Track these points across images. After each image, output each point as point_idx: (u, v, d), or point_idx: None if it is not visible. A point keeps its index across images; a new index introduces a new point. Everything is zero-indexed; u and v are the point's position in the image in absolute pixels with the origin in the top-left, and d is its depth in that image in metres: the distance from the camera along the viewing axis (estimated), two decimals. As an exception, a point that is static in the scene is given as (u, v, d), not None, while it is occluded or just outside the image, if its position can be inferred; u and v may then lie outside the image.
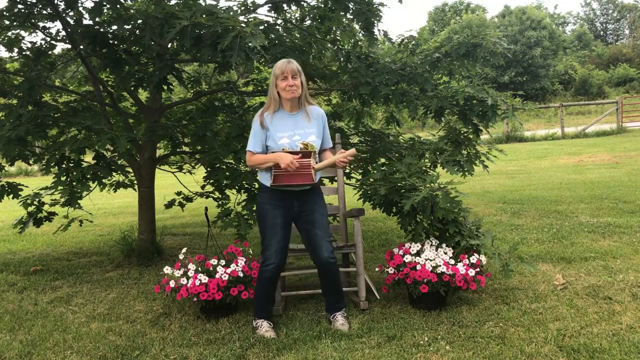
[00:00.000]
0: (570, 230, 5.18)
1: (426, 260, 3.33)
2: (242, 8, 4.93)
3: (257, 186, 4.50)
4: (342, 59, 5.05)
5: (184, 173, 5.93)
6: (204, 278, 3.33)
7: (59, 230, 5.38)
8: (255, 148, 3.12)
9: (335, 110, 5.49)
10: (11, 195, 4.53)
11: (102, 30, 4.28)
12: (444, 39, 4.89)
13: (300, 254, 3.73)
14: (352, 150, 3.07)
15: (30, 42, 4.76)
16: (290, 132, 3.10)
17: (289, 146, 3.07)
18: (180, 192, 5.78)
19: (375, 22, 4.59)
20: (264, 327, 3.13)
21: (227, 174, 4.40)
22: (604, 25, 51.23)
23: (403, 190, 3.63)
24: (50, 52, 4.89)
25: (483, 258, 3.42)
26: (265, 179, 3.15)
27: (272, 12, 5.15)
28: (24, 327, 3.45)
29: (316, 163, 3.10)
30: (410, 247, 3.46)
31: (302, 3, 5.02)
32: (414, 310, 3.35)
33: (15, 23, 4.44)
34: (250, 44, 3.34)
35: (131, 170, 5.02)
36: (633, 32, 45.90)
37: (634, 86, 33.11)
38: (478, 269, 3.35)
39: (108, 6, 4.19)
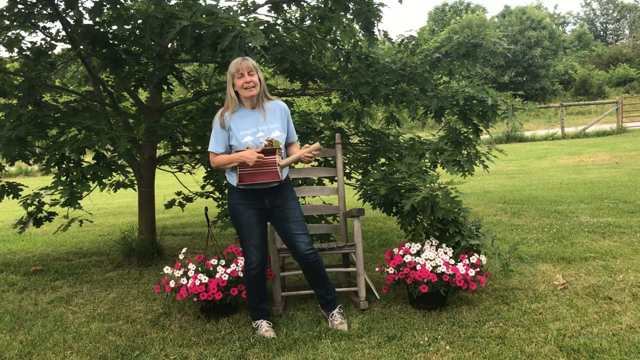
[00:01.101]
0: (570, 230, 5.18)
1: (426, 260, 3.33)
2: (242, 8, 4.93)
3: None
4: (342, 59, 5.05)
5: (184, 173, 5.94)
6: (204, 278, 3.33)
7: (59, 230, 5.38)
8: (218, 149, 3.11)
9: (335, 110, 5.49)
10: (11, 195, 4.53)
11: (102, 30, 4.28)
12: (444, 39, 4.89)
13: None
14: (316, 145, 3.04)
15: (30, 42, 4.76)
16: (253, 129, 3.06)
17: (252, 144, 3.04)
18: (180, 192, 5.79)
19: (375, 22, 4.59)
20: (264, 327, 3.12)
21: (227, 174, 4.40)
22: (604, 25, 51.24)
23: (403, 190, 3.63)
24: (50, 52, 4.89)
25: (483, 258, 3.42)
26: (233, 179, 3.13)
27: (272, 12, 5.16)
28: (24, 327, 3.45)
29: (282, 159, 3.08)
30: (410, 247, 3.46)
31: (302, 3, 5.02)
32: (414, 310, 3.35)
33: (15, 23, 4.44)
34: (250, 44, 3.34)
35: (131, 170, 5.01)
36: (633, 32, 45.91)
37: (634, 86, 33.12)
38: (478, 269, 3.35)
39: (108, 6, 4.19)
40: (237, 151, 3.05)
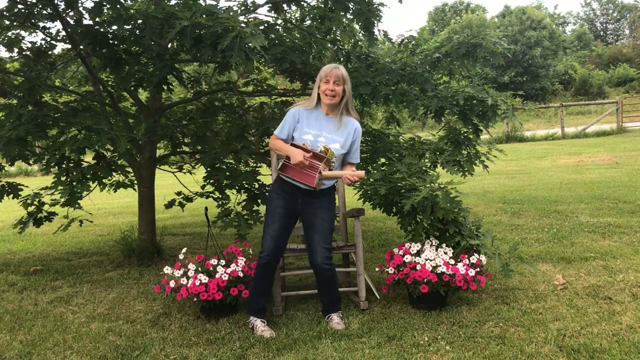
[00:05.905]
0: (570, 230, 5.18)
1: (426, 260, 3.33)
2: (242, 8, 4.93)
3: (257, 186, 4.50)
4: (342, 59, 5.05)
5: (184, 173, 5.93)
6: (204, 278, 3.33)
7: (59, 230, 5.38)
8: (281, 134, 3.19)
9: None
10: (11, 195, 4.53)
11: (102, 30, 4.28)
12: (444, 39, 4.88)
13: (300, 254, 3.73)
14: (361, 173, 3.08)
15: (30, 42, 4.76)
16: (316, 132, 3.13)
17: (310, 144, 3.11)
18: (180, 192, 5.78)
19: (375, 22, 4.58)
20: (259, 327, 3.12)
21: (227, 174, 4.41)
22: (604, 25, 51.22)
23: (403, 190, 3.63)
24: (50, 52, 4.89)
25: (483, 258, 3.42)
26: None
27: (272, 12, 5.15)
28: (24, 327, 3.45)
29: (326, 170, 3.10)
30: (410, 247, 3.46)
31: (302, 3, 5.02)
32: (414, 310, 3.35)
33: (15, 23, 4.44)
34: (250, 44, 3.34)
35: (131, 170, 5.01)
36: (633, 32, 45.89)
37: (634, 86, 33.10)
38: (478, 269, 3.35)
39: (108, 6, 4.19)
40: (294, 144, 3.12)
